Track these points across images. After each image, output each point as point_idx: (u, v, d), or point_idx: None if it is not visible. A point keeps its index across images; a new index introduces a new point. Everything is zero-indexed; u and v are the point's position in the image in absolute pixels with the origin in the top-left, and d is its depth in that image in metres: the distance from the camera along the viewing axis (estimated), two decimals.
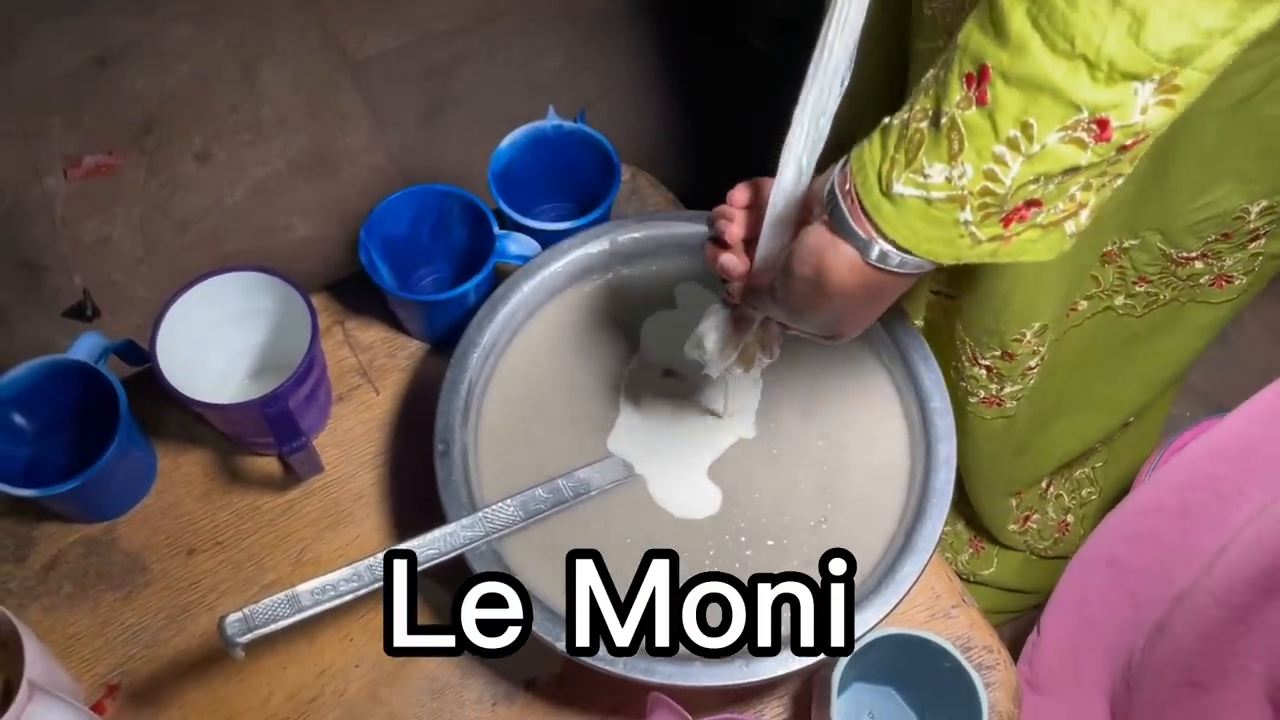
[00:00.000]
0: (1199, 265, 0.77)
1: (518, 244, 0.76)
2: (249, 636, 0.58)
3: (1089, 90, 0.40)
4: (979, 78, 0.41)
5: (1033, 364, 0.81)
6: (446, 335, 0.79)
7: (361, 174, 1.58)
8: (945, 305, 0.85)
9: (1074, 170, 0.42)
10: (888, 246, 0.46)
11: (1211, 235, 0.74)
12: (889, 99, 0.77)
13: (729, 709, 0.68)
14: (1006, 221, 0.44)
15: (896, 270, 0.47)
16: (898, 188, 0.44)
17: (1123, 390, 0.92)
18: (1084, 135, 0.41)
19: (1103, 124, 0.40)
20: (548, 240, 0.76)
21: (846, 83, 0.50)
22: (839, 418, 0.72)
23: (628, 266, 0.77)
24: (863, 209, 0.46)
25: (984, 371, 0.82)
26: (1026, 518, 1.06)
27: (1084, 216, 0.45)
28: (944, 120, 0.43)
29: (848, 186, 0.47)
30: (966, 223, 0.44)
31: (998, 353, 0.80)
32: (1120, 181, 0.45)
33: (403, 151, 1.60)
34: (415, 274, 0.83)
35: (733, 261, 0.58)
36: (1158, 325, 0.84)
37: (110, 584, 0.73)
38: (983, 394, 0.84)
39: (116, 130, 1.60)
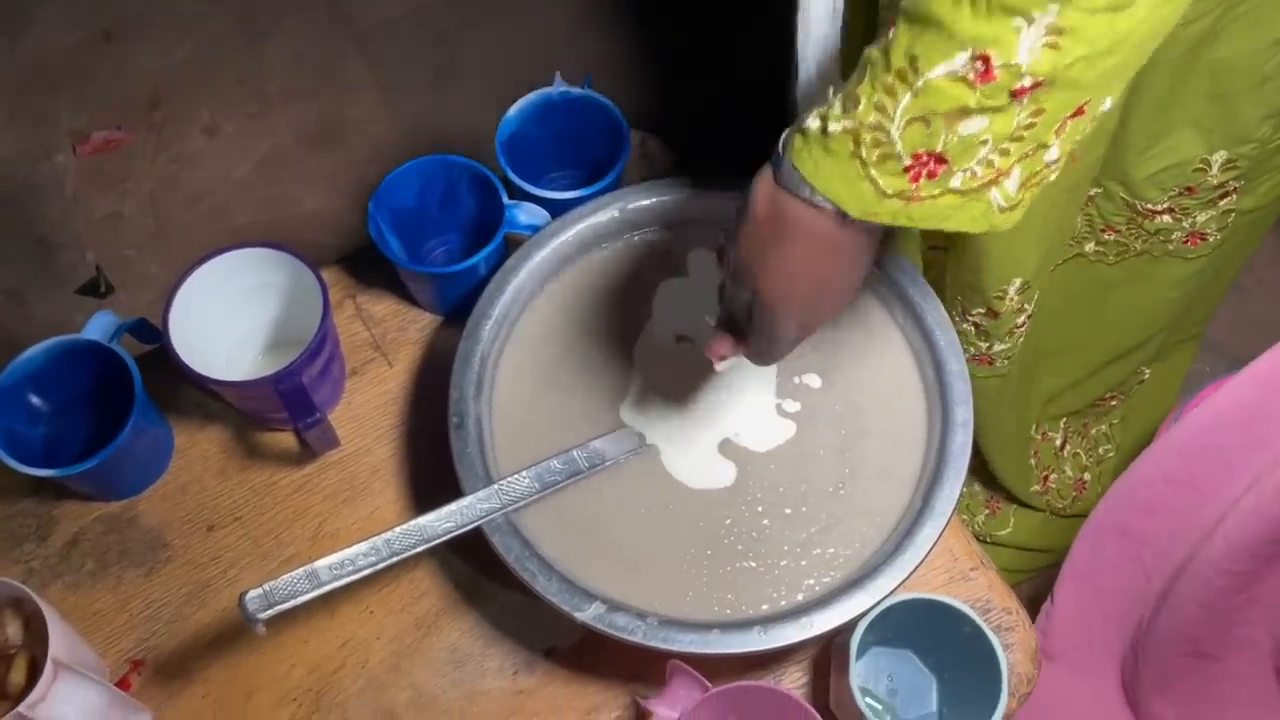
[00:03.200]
0: (1167, 220, 0.78)
1: (527, 214, 0.76)
2: (270, 613, 0.58)
3: (969, 22, 0.41)
4: (888, 25, 0.44)
5: (1019, 322, 0.81)
6: (458, 307, 0.78)
7: (369, 144, 1.57)
8: (937, 259, 0.85)
9: (964, 111, 0.43)
10: (791, 168, 0.48)
11: (1174, 188, 0.75)
12: None
13: (748, 675, 0.69)
14: (914, 176, 0.45)
15: (795, 194, 0.48)
16: (808, 121, 0.47)
17: (1102, 336, 0.94)
18: (969, 74, 0.42)
19: (985, 60, 0.41)
20: (557, 209, 0.76)
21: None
22: (856, 382, 0.72)
23: (639, 234, 0.77)
24: (790, 142, 0.49)
25: (972, 328, 0.82)
26: (1046, 478, 1.06)
27: (1011, 187, 0.46)
28: (859, 62, 0.46)
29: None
30: (864, 161, 0.45)
31: (983, 310, 0.80)
32: (1054, 161, 0.45)
33: (411, 120, 1.59)
34: (425, 245, 0.83)
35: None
36: (1131, 275, 0.85)
37: (131, 561, 0.73)
38: (973, 351, 0.84)
39: (124, 105, 1.59)
